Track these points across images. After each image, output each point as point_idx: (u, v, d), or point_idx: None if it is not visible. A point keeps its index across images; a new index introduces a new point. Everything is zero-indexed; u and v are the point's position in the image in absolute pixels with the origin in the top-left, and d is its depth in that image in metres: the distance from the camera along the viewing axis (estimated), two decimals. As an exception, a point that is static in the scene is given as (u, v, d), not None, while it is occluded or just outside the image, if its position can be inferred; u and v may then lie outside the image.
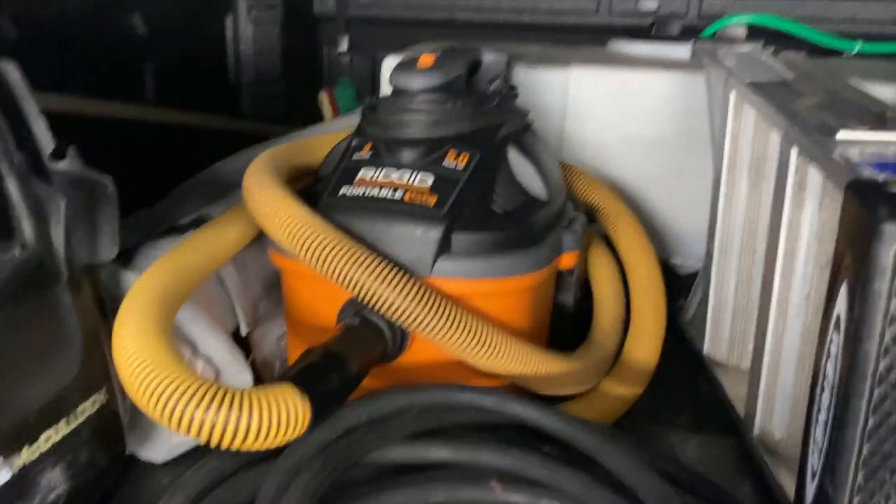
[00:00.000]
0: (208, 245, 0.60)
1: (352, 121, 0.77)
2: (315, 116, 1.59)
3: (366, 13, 1.61)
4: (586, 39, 1.48)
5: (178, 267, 0.55)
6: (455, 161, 0.61)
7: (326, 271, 0.53)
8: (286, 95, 1.53)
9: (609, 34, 1.47)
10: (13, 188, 0.41)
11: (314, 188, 0.65)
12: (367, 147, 0.64)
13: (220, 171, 0.88)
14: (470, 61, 0.67)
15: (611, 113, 0.96)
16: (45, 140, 0.45)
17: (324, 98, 1.62)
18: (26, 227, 0.42)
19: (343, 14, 1.62)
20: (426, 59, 0.64)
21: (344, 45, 1.66)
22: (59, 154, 0.45)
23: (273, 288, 0.72)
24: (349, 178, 0.61)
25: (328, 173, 0.65)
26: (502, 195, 0.62)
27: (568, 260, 0.67)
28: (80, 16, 0.96)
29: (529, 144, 0.68)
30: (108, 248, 0.50)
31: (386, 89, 1.02)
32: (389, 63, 0.99)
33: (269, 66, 1.50)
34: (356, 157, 0.63)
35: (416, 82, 0.62)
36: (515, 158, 0.65)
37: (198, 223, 0.65)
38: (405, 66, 0.63)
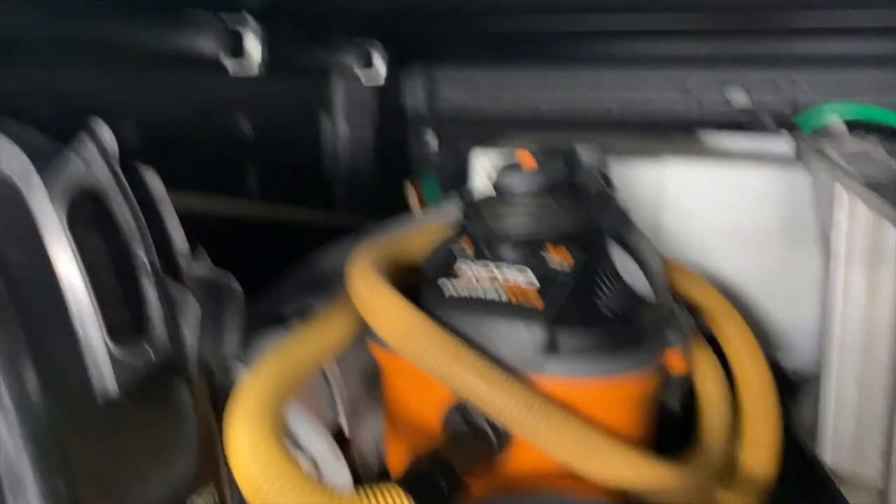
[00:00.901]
0: (315, 339, 0.61)
1: (443, 214, 0.79)
2: (402, 207, 1.64)
3: (454, 111, 1.67)
4: (674, 134, 1.49)
5: (288, 362, 0.56)
6: (559, 260, 0.61)
7: (432, 369, 0.53)
8: (377, 188, 1.59)
9: (698, 128, 1.48)
10: (149, 289, 0.43)
11: (416, 283, 0.66)
12: (470, 245, 0.64)
13: (320, 262, 0.91)
14: (570, 160, 0.68)
15: (708, 207, 0.94)
16: (181, 242, 0.47)
17: (410, 189, 1.67)
18: (160, 328, 0.44)
19: (433, 111, 1.68)
20: (528, 161, 0.65)
21: (432, 141, 1.73)
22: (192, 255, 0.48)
23: (371, 383, 0.73)
24: (453, 275, 0.62)
25: (430, 270, 0.66)
26: (607, 294, 0.61)
27: (674, 359, 0.65)
28: (191, 119, 1.03)
29: (632, 241, 0.68)
30: (232, 348, 0.52)
31: (478, 183, 1.06)
32: (479, 157, 1.02)
33: (362, 162, 1.56)
34: (458, 254, 0.64)
35: (520, 184, 0.63)
36: (618, 256, 0.65)
37: (300, 312, 0.67)
38: (509, 169, 0.65)
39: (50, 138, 0.42)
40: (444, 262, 0.64)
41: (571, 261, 0.61)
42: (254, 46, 1.02)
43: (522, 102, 1.59)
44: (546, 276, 0.60)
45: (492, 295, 0.59)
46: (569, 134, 1.58)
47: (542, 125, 1.59)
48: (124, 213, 0.43)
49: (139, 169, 0.46)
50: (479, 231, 0.65)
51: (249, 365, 0.59)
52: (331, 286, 0.72)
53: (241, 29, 0.99)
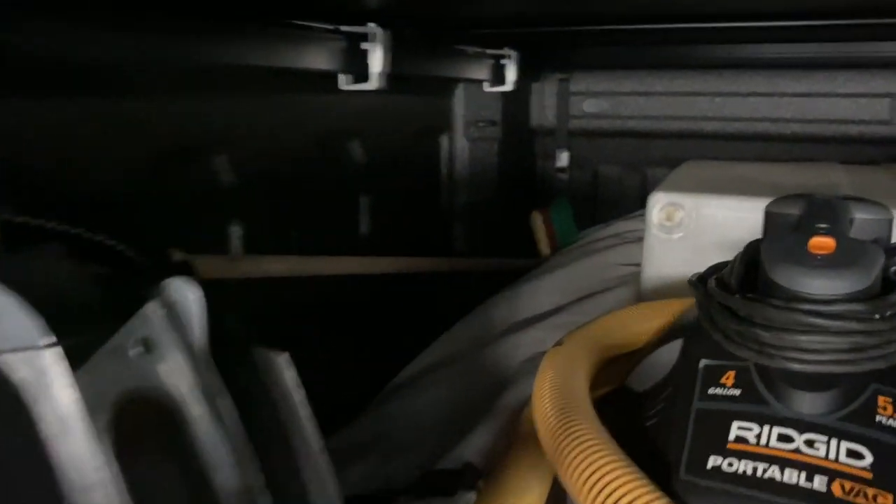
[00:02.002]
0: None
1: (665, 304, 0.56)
2: (529, 242, 1.42)
3: (588, 125, 1.43)
4: (874, 154, 1.20)
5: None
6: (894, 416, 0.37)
7: None
8: (502, 219, 1.37)
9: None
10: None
11: (635, 418, 0.44)
12: (730, 376, 0.41)
13: (459, 348, 0.70)
14: (879, 238, 0.44)
15: None
16: (314, 437, 0.27)
17: (537, 219, 1.44)
18: None
19: (563, 126, 1.45)
20: (823, 244, 0.41)
21: (563, 160, 1.49)
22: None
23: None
24: (715, 434, 0.39)
25: (662, 409, 0.43)
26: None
27: None
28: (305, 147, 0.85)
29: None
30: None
31: (656, 233, 0.81)
32: (658, 202, 0.77)
33: (485, 187, 1.34)
34: (714, 390, 0.41)
35: (824, 284, 0.39)
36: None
37: (462, 478, 0.45)
38: (798, 256, 0.41)
39: (96, 290, 0.24)
40: (691, 405, 0.41)
41: (914, 417, 0.37)
42: (376, 59, 0.82)
43: (675, 117, 1.33)
44: (880, 445, 0.36)
45: (794, 478, 0.36)
46: (732, 155, 1.33)
47: (695, 143, 1.34)
48: (209, 433, 0.23)
49: (260, 355, 0.25)
50: (745, 351, 0.41)
51: None
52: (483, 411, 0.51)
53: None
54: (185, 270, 0.33)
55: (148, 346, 0.23)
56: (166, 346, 0.23)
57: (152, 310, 0.23)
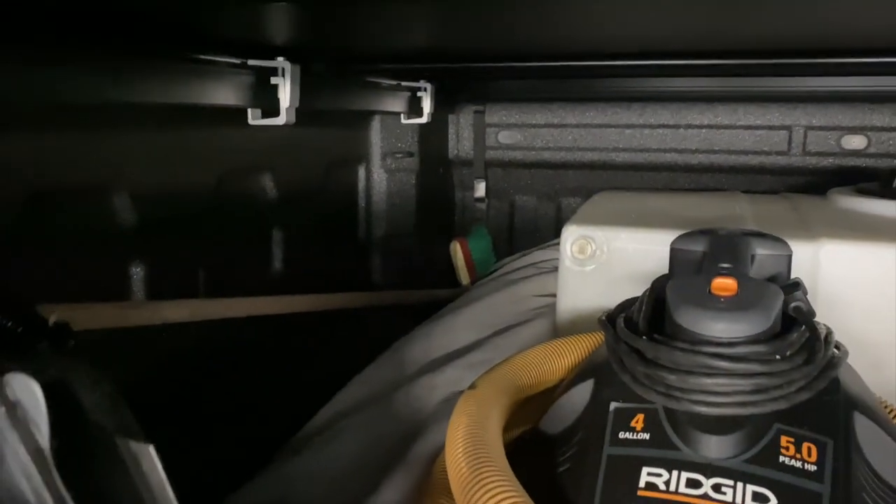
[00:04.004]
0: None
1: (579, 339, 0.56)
2: (449, 271, 1.41)
3: (504, 156, 1.45)
4: (774, 183, 1.26)
5: None
6: (798, 456, 0.38)
7: None
8: (421, 249, 1.36)
9: (802, 177, 1.25)
10: None
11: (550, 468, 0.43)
12: (639, 419, 0.41)
13: (372, 391, 0.68)
14: (778, 274, 0.45)
15: (883, 302, 0.71)
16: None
17: (457, 248, 1.44)
18: None
19: (480, 157, 1.46)
20: (725, 286, 0.42)
21: (481, 191, 1.50)
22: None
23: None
24: (625, 480, 0.39)
25: (574, 455, 0.42)
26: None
27: None
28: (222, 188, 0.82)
29: (871, 402, 0.44)
30: None
31: (569, 266, 0.82)
32: (571, 235, 0.77)
33: (403, 218, 1.33)
34: (624, 434, 0.41)
35: (727, 327, 0.40)
36: (866, 433, 0.42)
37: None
38: (701, 299, 0.41)
39: None
40: (601, 450, 0.41)
41: (817, 455, 0.38)
42: (286, 93, 0.80)
43: (588, 149, 1.36)
44: (784, 487, 0.37)
45: (703, 525, 0.36)
46: (640, 184, 1.37)
47: (608, 173, 1.37)
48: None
49: (124, 449, 0.23)
50: (652, 394, 0.41)
51: None
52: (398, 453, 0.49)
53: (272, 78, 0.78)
54: (62, 334, 0.31)
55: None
56: (11, 449, 0.21)
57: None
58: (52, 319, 0.30)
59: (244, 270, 0.88)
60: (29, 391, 0.21)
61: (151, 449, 0.23)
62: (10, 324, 0.26)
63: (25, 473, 0.20)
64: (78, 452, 0.22)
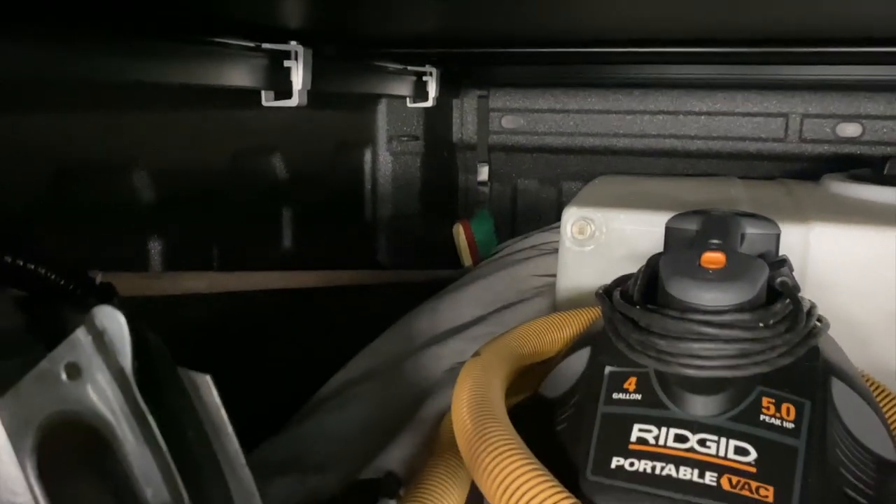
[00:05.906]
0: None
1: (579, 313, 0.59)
2: (452, 253, 1.44)
3: (507, 141, 1.47)
4: (771, 169, 1.29)
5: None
6: (778, 415, 0.41)
7: None
8: (425, 231, 1.39)
9: (798, 164, 1.28)
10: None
11: (546, 422, 0.46)
12: (632, 381, 0.45)
13: (381, 361, 0.72)
14: (767, 252, 0.48)
15: (869, 282, 0.74)
16: (237, 454, 0.28)
17: (459, 230, 1.47)
18: None
19: (483, 141, 1.49)
20: (714, 259, 0.45)
21: (484, 174, 1.53)
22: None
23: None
24: (618, 436, 0.42)
25: (571, 415, 0.46)
26: (846, 461, 0.41)
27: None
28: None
29: (849, 369, 0.48)
30: None
31: (568, 250, 0.85)
32: (572, 216, 0.80)
33: (408, 200, 1.36)
34: (617, 395, 0.44)
35: (714, 297, 0.43)
36: (842, 396, 0.45)
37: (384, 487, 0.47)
38: (691, 271, 0.45)
39: (18, 315, 0.24)
40: (597, 407, 0.44)
41: (795, 414, 0.41)
42: (298, 76, 0.83)
43: (590, 135, 1.39)
44: (764, 442, 0.40)
45: (688, 474, 0.39)
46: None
47: (610, 158, 1.40)
48: (137, 452, 0.24)
49: (185, 376, 0.26)
50: (645, 359, 0.45)
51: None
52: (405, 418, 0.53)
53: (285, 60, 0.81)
54: (108, 292, 0.34)
55: (77, 371, 0.24)
56: (95, 371, 0.24)
57: (81, 336, 0.24)
58: (97, 279, 0.33)
59: (256, 246, 0.91)
60: (115, 320, 0.24)
61: (209, 378, 0.26)
62: (70, 284, 0.30)
63: (107, 392, 0.23)
64: (149, 378, 0.25)
